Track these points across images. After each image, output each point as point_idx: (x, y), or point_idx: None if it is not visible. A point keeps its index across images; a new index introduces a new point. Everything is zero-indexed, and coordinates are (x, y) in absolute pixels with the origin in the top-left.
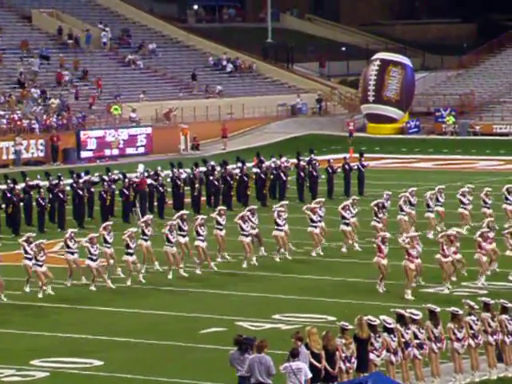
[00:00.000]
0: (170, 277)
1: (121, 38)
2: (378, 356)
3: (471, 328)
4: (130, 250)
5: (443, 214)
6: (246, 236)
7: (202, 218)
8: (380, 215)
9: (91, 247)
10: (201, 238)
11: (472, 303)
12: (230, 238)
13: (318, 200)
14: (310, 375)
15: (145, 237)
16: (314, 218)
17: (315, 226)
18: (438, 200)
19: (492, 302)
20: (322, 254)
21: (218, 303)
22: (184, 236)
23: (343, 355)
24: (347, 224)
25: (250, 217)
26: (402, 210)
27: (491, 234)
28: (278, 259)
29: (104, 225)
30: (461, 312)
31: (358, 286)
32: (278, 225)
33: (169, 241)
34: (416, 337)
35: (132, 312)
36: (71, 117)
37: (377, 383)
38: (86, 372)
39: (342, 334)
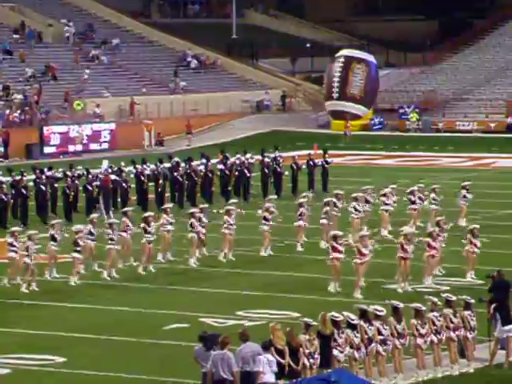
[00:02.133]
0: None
1: (84, 34)
2: (342, 352)
3: (434, 324)
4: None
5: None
6: (197, 233)
7: (150, 216)
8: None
9: (32, 245)
10: (148, 235)
11: (435, 299)
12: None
13: (304, 194)
14: (276, 369)
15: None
16: (267, 216)
17: (267, 225)
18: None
19: (454, 298)
20: (301, 249)
21: (181, 299)
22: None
23: (307, 351)
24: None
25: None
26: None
27: (442, 233)
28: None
29: (91, 217)
30: (424, 308)
31: (321, 282)
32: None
33: (111, 239)
34: (379, 333)
35: (94, 308)
36: (35, 112)
37: (340, 379)
38: (48, 369)
39: (306, 331)
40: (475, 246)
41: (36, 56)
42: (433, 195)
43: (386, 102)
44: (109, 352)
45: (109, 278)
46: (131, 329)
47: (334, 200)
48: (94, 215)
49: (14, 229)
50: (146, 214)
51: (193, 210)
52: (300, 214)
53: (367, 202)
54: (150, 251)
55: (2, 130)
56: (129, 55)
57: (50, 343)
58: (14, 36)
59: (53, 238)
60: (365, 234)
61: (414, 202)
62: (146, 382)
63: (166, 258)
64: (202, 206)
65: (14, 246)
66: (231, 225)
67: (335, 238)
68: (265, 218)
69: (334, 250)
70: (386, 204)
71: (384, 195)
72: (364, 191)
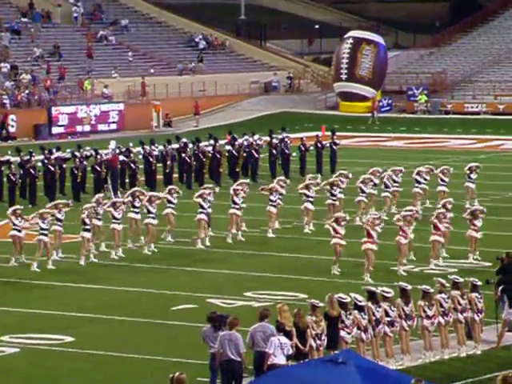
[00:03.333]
0: (118, 254)
1: (93, 14)
2: (349, 333)
3: (441, 306)
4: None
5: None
6: (205, 214)
7: (153, 196)
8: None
9: (42, 223)
10: (152, 215)
11: (443, 281)
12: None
13: (312, 175)
14: (291, 351)
15: (135, 209)
16: (272, 197)
17: (274, 206)
18: (394, 180)
19: (462, 279)
20: (309, 231)
21: (190, 280)
22: (137, 213)
23: (314, 333)
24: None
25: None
26: (386, 186)
27: (448, 215)
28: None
29: (96, 197)
30: (431, 290)
31: (329, 264)
32: (234, 203)
33: (114, 217)
34: (387, 314)
35: (104, 288)
36: (42, 93)
37: (347, 360)
38: (57, 348)
39: (313, 312)
40: (475, 227)
41: (44, 36)
42: (441, 176)
43: (395, 83)
44: (117, 332)
45: (116, 258)
46: (140, 309)
47: (341, 179)
48: (100, 195)
49: (15, 207)
50: (151, 194)
51: (202, 190)
52: (307, 196)
53: (374, 184)
54: (153, 231)
55: (6, 112)
56: (137, 36)
57: (58, 323)
58: (23, 19)
59: (57, 219)
60: (375, 216)
61: (419, 182)
62: (154, 362)
63: (166, 237)
64: (208, 186)
65: (16, 225)
66: (237, 205)
67: (337, 220)
68: (270, 200)
69: (336, 232)
70: (419, 183)
71: (418, 174)
72: (372, 174)
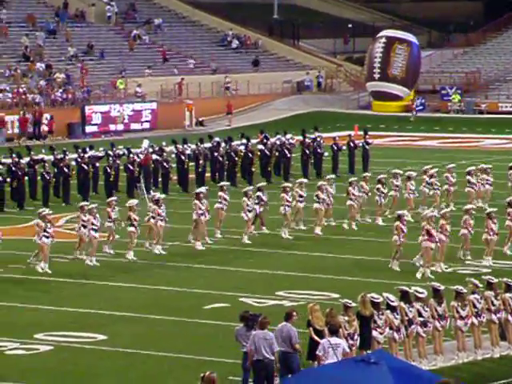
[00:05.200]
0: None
1: (127, 13)
2: (381, 333)
3: (475, 306)
4: (134, 222)
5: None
6: (250, 211)
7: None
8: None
9: (93, 219)
10: (160, 217)
11: (476, 281)
12: (231, 214)
13: (328, 177)
14: (348, 350)
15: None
16: (322, 195)
17: (320, 203)
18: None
19: (495, 280)
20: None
21: (222, 279)
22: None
23: (346, 332)
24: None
25: (260, 194)
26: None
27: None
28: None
29: (108, 200)
30: (465, 290)
31: (362, 263)
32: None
33: (158, 214)
34: (420, 315)
35: (136, 287)
36: (76, 91)
37: (380, 360)
38: (90, 346)
39: (345, 312)
40: (491, 230)
41: (78, 35)
42: (484, 176)
43: (428, 83)
44: (150, 331)
45: (158, 252)
46: (172, 308)
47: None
48: (133, 201)
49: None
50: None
51: (246, 188)
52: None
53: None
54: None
55: (34, 110)
56: (170, 35)
57: (91, 321)
58: (56, 18)
59: (109, 217)
60: (433, 214)
61: (470, 182)
62: (186, 360)
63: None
64: (259, 184)
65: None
66: (289, 202)
67: (400, 217)
68: (317, 197)
69: (397, 229)
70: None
71: (409, 178)
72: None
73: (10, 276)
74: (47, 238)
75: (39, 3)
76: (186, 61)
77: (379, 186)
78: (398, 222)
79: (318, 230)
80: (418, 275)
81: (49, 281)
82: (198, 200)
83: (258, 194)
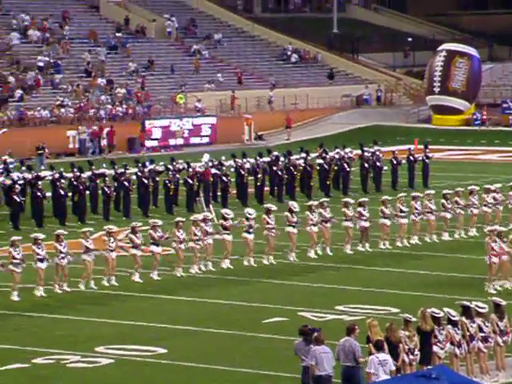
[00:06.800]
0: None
1: (187, 28)
2: (442, 349)
3: None
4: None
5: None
6: (314, 226)
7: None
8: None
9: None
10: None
11: None
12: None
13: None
14: (393, 367)
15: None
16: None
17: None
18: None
19: None
20: (387, 246)
21: (281, 293)
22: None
23: (406, 347)
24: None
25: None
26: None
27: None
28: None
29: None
30: None
31: (422, 278)
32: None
33: (153, 239)
34: (481, 330)
35: (194, 301)
36: (137, 106)
37: (441, 376)
38: (150, 359)
39: (406, 326)
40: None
41: (139, 51)
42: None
43: (489, 96)
44: (209, 344)
45: (226, 267)
46: (231, 321)
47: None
48: (198, 216)
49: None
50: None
51: (310, 202)
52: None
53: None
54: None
55: (100, 125)
56: (230, 50)
57: (151, 334)
58: (117, 34)
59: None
60: (500, 229)
61: None
62: (245, 374)
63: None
64: (322, 199)
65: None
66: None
67: (500, 234)
68: (361, 214)
69: (493, 249)
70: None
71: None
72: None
73: (70, 290)
74: (112, 251)
75: (101, 19)
76: (245, 75)
77: (443, 201)
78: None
79: (383, 244)
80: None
81: (109, 294)
82: (266, 215)
83: (359, 209)
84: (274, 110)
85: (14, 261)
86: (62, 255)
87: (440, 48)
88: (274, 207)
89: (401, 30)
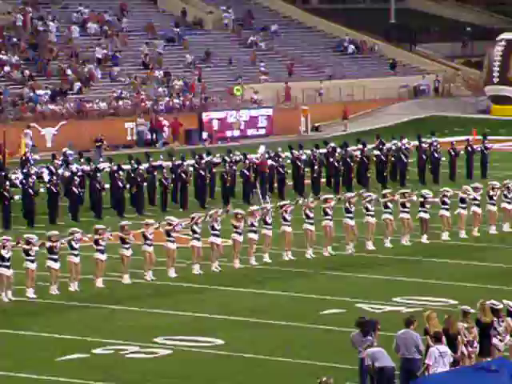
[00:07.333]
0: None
1: (243, 20)
2: (501, 341)
3: None
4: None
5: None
6: (372, 217)
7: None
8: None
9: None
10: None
11: None
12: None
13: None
14: (451, 359)
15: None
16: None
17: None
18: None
19: None
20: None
21: (339, 285)
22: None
23: (465, 339)
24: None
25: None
26: None
27: None
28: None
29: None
30: None
31: (482, 269)
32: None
33: (266, 223)
34: None
35: (252, 292)
36: (194, 98)
37: (500, 368)
38: (208, 350)
39: (464, 318)
40: None
41: (196, 43)
42: None
43: None
44: (266, 336)
45: (270, 261)
46: (288, 313)
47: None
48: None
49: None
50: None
51: (366, 194)
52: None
53: None
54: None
55: (157, 117)
56: (287, 41)
57: (209, 325)
58: (175, 29)
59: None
60: None
61: None
62: (303, 365)
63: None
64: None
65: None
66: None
67: None
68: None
69: None
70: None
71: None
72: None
73: (131, 281)
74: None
75: (158, 12)
76: (300, 66)
77: (506, 192)
78: None
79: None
80: None
81: (166, 285)
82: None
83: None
84: (324, 102)
85: (99, 247)
86: (126, 246)
87: (499, 37)
88: (331, 196)
89: (459, 19)
